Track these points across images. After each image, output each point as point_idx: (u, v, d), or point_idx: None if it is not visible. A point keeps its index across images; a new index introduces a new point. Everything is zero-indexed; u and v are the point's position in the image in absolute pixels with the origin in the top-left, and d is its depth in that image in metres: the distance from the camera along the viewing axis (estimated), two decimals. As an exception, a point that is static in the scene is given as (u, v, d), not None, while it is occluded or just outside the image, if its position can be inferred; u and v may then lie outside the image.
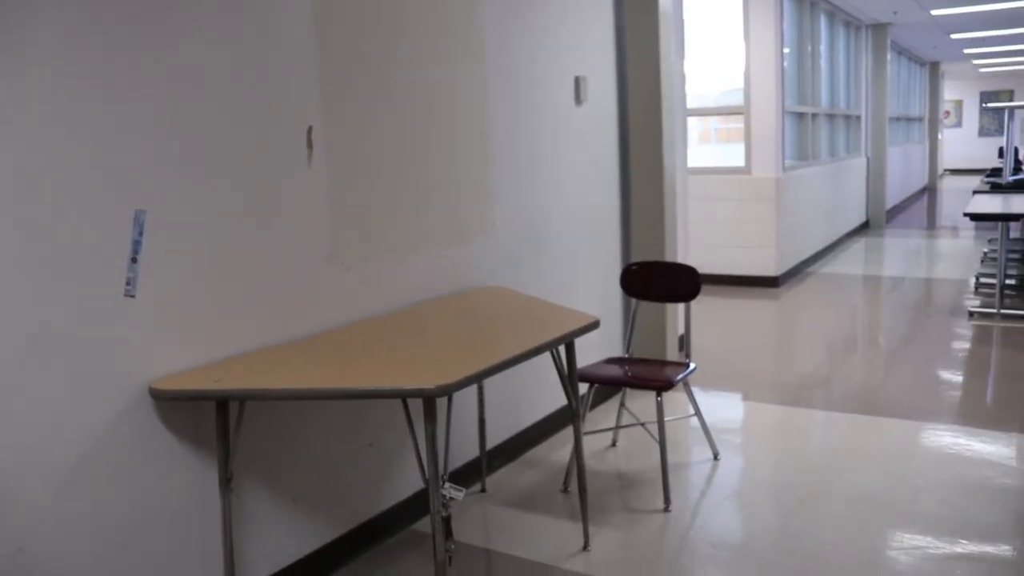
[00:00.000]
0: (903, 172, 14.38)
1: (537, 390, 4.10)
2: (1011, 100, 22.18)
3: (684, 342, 4.01)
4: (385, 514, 3.21)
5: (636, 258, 4.83)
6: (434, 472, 2.31)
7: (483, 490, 3.62)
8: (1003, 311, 6.44)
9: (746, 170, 7.91)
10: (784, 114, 8.10)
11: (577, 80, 4.33)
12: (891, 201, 13.26)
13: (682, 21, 5.49)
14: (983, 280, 7.59)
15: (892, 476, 3.58)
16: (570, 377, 3.00)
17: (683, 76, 5.56)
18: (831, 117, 10.21)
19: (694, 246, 6.24)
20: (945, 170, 22.53)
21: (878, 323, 6.76)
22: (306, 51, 2.80)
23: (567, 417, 4.24)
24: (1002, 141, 11.03)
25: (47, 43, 2.07)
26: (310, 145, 2.82)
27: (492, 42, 3.70)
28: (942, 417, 4.33)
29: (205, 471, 2.50)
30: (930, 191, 18.37)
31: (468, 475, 3.62)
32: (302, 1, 2.77)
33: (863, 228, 11.96)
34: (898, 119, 14.51)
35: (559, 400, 4.19)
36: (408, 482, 3.30)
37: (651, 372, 3.70)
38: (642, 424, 4.00)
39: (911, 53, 15.61)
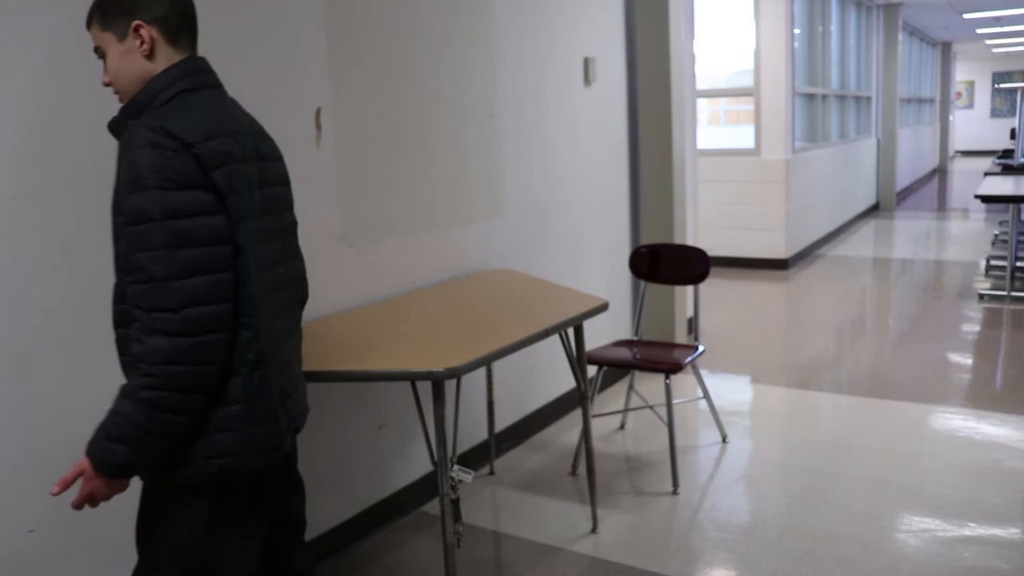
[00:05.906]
0: (913, 154, 14.28)
1: (546, 373, 4.10)
2: (1024, 81, 21.97)
3: (693, 325, 4.00)
4: (394, 496, 3.22)
5: (645, 240, 4.82)
6: (443, 454, 2.32)
7: (492, 472, 3.63)
8: (1013, 293, 6.40)
9: (756, 152, 7.87)
10: (794, 95, 8.04)
11: (586, 61, 4.30)
12: (901, 183, 13.17)
13: (692, 1, 5.45)
14: (993, 263, 7.55)
15: (900, 459, 3.58)
16: (579, 359, 3.00)
17: (693, 57, 5.52)
18: (841, 98, 10.13)
19: (703, 228, 6.21)
20: (956, 152, 22.37)
21: (888, 306, 6.74)
22: (315, 32, 2.78)
23: (576, 400, 4.25)
24: (1014, 122, 10.93)
25: (56, 21, 2.07)
26: (319, 126, 2.81)
27: (501, 22, 3.67)
28: (951, 400, 4.32)
29: (215, 453, 2.51)
30: (941, 173, 18.25)
31: (477, 458, 3.63)
32: (309, -18, 2.75)
33: (873, 210, 11.90)
34: (909, 100, 14.39)
35: (568, 383, 4.19)
36: (417, 464, 3.31)
37: (660, 355, 3.69)
38: (651, 407, 4.00)
39: (922, 34, 15.46)
